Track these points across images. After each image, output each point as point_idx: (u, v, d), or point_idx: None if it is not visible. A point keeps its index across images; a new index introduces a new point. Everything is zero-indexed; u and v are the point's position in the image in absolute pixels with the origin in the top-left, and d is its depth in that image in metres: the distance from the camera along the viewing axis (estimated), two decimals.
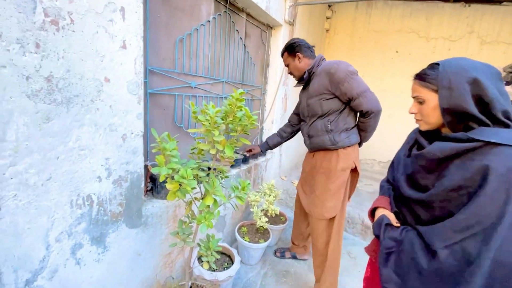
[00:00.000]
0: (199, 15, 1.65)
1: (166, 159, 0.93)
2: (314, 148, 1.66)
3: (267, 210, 1.89)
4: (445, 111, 0.73)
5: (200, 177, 1.09)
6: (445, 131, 0.79)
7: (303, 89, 1.72)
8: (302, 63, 1.65)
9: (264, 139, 2.83)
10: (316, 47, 3.71)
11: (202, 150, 1.11)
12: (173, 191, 0.97)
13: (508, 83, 2.90)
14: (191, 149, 1.17)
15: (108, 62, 0.98)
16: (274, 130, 2.79)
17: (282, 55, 1.71)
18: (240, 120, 1.03)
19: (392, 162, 1.00)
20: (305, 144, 1.78)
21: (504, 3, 2.99)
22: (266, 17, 2.31)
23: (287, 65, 1.71)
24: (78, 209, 0.97)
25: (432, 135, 0.82)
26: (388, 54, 3.70)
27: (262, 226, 1.87)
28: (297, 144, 3.69)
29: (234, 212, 2.21)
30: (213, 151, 1.04)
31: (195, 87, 1.71)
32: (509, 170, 0.61)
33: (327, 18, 3.96)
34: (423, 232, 0.75)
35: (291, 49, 1.65)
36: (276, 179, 3.10)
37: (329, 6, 3.93)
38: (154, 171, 0.95)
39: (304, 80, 1.64)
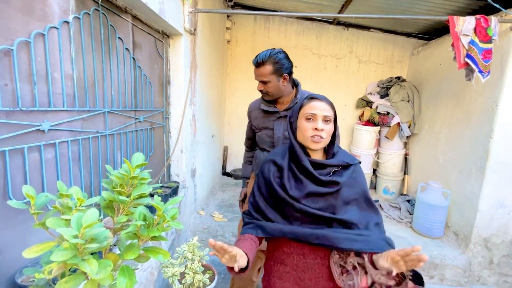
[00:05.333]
0: (44, 11, 0.99)
1: None
2: None
3: (192, 285, 1.40)
4: (335, 134, 0.95)
5: None
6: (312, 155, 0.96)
7: (275, 116, 1.45)
8: (285, 86, 1.40)
9: (172, 175, 2.27)
10: (219, 59, 3.41)
11: None
12: None
13: (382, 97, 3.46)
14: None
15: None
16: (185, 160, 2.28)
17: (260, 65, 1.33)
18: (145, 219, 0.54)
19: (256, 202, 1.00)
20: None
21: (371, 29, 3.58)
22: (161, 23, 1.79)
23: (263, 82, 1.36)
24: None
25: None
26: None
27: None
28: (210, 166, 3.27)
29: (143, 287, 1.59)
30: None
31: (50, 130, 1.03)
32: (365, 178, 0.98)
33: (227, 28, 3.73)
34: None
35: (280, 68, 1.33)
36: (193, 217, 2.59)
37: (228, 16, 3.72)
38: None
39: (290, 108, 1.41)
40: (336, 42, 3.73)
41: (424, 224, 2.54)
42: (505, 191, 2.13)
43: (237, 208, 2.88)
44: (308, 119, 0.90)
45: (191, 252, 1.46)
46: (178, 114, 2.18)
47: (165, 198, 1.93)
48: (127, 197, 0.56)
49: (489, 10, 2.03)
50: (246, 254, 0.81)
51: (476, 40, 1.89)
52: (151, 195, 1.90)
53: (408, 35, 3.54)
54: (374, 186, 3.70)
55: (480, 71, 1.90)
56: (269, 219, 0.95)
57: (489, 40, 1.89)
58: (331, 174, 0.93)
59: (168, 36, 2.06)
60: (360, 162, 1.01)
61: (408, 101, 3.24)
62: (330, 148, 0.96)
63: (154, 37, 1.86)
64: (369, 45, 3.68)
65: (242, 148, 1.90)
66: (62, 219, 0.51)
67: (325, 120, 0.90)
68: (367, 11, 2.89)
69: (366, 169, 3.46)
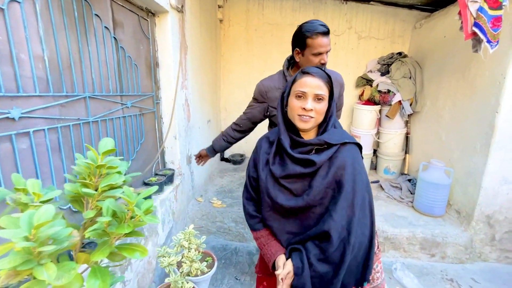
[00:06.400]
0: None
1: None
2: None
3: (189, 273, 1.36)
4: (329, 111, 0.86)
5: None
6: (304, 134, 0.88)
7: None
8: None
9: (167, 162, 2.20)
10: (212, 39, 3.24)
11: None
12: None
13: (382, 74, 3.33)
14: None
15: None
16: (179, 147, 2.20)
17: (328, 34, 1.23)
18: (114, 215, 0.47)
19: (250, 179, 1.01)
20: None
21: (372, 2, 3.38)
22: None
23: (327, 52, 1.26)
24: None
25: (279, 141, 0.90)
26: (285, 47, 3.65)
27: None
28: None
29: (140, 278, 1.56)
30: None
31: (22, 118, 0.93)
32: (353, 159, 0.85)
33: (219, 7, 3.52)
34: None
35: None
36: (191, 204, 2.55)
37: None
38: None
39: None
40: (335, 18, 3.53)
41: (426, 203, 2.50)
42: (511, 167, 2.07)
43: (236, 194, 2.84)
44: (298, 96, 0.82)
45: (187, 241, 1.42)
46: (169, 98, 2.08)
47: (160, 186, 1.87)
48: (96, 189, 0.49)
49: None
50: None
51: (485, 6, 1.75)
52: (146, 184, 1.85)
53: (410, 7, 3.34)
54: (374, 167, 3.65)
55: (489, 41, 1.78)
56: (259, 196, 0.98)
57: (499, 6, 1.75)
58: (312, 153, 0.85)
59: (153, 14, 1.91)
60: (356, 144, 0.90)
61: (410, 77, 3.12)
62: (321, 127, 0.88)
63: (138, 15, 1.72)
64: (369, 19, 3.49)
65: None
66: (17, 217, 0.44)
67: (317, 98, 0.81)
68: None
69: (367, 149, 3.39)
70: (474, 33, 1.80)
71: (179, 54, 2.12)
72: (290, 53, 1.45)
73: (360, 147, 0.89)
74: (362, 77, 3.55)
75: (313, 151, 0.86)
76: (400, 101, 3.10)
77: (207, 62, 3.03)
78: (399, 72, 3.13)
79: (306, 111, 0.81)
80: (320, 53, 1.24)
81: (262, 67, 3.74)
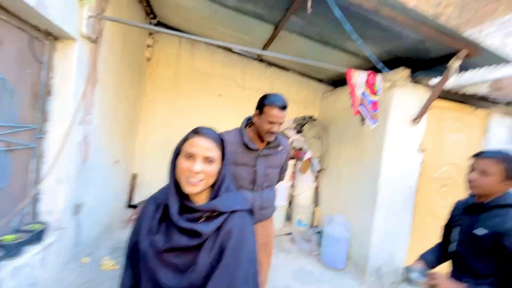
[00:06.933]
0: None
1: None
2: (257, 221, 1.49)
3: None
4: (222, 174, 0.80)
5: None
6: (196, 197, 0.79)
7: (256, 153, 1.46)
8: None
9: (42, 213, 1.73)
10: (135, 76, 3.06)
11: None
12: None
13: (298, 132, 3.71)
14: None
15: None
16: (64, 193, 1.78)
17: (285, 109, 1.41)
18: None
19: (130, 247, 0.82)
20: None
21: (290, 71, 3.93)
22: (42, 20, 1.42)
23: (280, 123, 1.42)
24: None
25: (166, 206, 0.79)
26: (213, 96, 3.76)
27: None
28: (109, 198, 2.72)
29: None
30: None
31: None
32: (242, 228, 0.78)
33: (148, 46, 3.45)
34: None
35: None
36: (71, 267, 1.99)
37: (150, 33, 3.47)
38: None
39: (276, 147, 1.51)
40: (260, 78, 3.91)
41: (330, 256, 2.65)
42: (391, 223, 2.43)
43: None
44: (188, 157, 0.76)
45: None
46: (59, 133, 1.73)
47: (16, 248, 1.39)
48: None
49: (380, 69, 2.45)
50: None
51: (367, 92, 2.22)
52: None
53: (319, 80, 4.02)
54: (289, 218, 3.78)
55: (370, 118, 2.21)
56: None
57: (376, 93, 2.24)
58: (202, 220, 0.77)
59: (55, 38, 1.67)
60: (249, 211, 0.84)
61: (319, 138, 3.57)
62: (213, 189, 0.80)
63: (29, 34, 1.47)
64: (288, 84, 4.00)
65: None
66: None
67: (208, 160, 0.76)
68: (286, 53, 3.13)
69: (282, 201, 3.53)
70: (359, 111, 2.22)
71: (84, 85, 1.86)
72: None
73: (252, 213, 0.85)
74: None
75: (203, 218, 0.77)
76: (310, 158, 3.45)
77: (124, 98, 2.78)
78: (311, 133, 3.56)
79: (194, 173, 0.74)
80: (272, 122, 1.37)
81: (187, 112, 3.69)
